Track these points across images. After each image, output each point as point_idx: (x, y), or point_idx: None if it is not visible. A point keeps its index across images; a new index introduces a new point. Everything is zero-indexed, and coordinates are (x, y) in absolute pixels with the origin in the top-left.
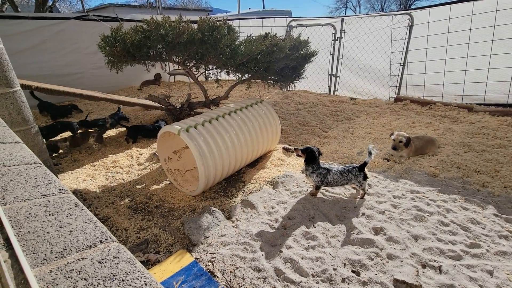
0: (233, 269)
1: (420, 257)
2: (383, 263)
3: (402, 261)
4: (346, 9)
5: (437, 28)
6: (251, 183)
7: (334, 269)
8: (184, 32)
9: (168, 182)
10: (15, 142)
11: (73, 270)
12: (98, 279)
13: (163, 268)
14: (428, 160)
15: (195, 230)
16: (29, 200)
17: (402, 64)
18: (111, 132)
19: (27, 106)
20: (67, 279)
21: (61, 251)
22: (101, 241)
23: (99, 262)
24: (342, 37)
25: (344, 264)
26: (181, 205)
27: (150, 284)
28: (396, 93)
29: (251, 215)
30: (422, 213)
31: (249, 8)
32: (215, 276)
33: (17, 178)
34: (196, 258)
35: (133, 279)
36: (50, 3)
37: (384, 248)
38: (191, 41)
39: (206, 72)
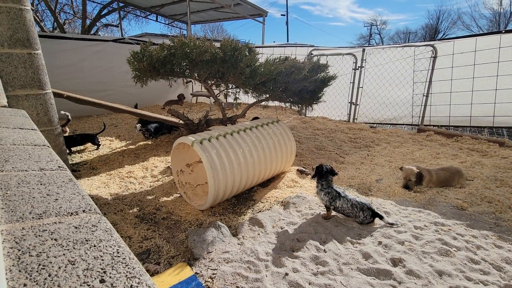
0: None
1: None
2: None
3: None
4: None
5: (462, 60)
6: (262, 202)
7: None
8: (207, 50)
9: (178, 195)
10: (31, 129)
11: (46, 230)
12: (69, 241)
13: (160, 280)
14: (454, 192)
15: (199, 244)
16: (26, 171)
17: (425, 94)
18: (130, 145)
19: (54, 109)
20: (36, 237)
21: (40, 214)
22: (83, 211)
23: (75, 228)
24: (363, 67)
25: None
26: (188, 219)
27: (123, 253)
28: (419, 123)
29: (259, 234)
30: (448, 247)
31: (274, 41)
32: None
33: (22, 154)
34: (196, 273)
35: (106, 246)
36: (93, 31)
37: (403, 282)
38: (213, 60)
39: (226, 90)
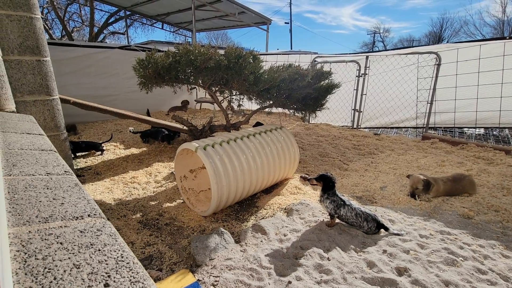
0: None
1: None
2: None
3: None
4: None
5: (466, 67)
6: (265, 209)
7: None
8: (211, 58)
9: (181, 201)
10: (39, 134)
11: (52, 234)
12: (74, 245)
13: (162, 286)
14: (460, 200)
15: (201, 250)
16: (33, 175)
17: (429, 102)
18: (134, 150)
19: (61, 114)
20: (42, 240)
21: (46, 218)
22: (89, 215)
23: (81, 232)
24: (367, 74)
25: None
26: (191, 225)
27: (127, 257)
28: (424, 127)
29: (261, 241)
30: (454, 257)
31: (277, 49)
32: None
33: (29, 158)
34: (198, 280)
35: (110, 251)
36: (101, 38)
37: None
38: (217, 67)
39: (230, 97)
